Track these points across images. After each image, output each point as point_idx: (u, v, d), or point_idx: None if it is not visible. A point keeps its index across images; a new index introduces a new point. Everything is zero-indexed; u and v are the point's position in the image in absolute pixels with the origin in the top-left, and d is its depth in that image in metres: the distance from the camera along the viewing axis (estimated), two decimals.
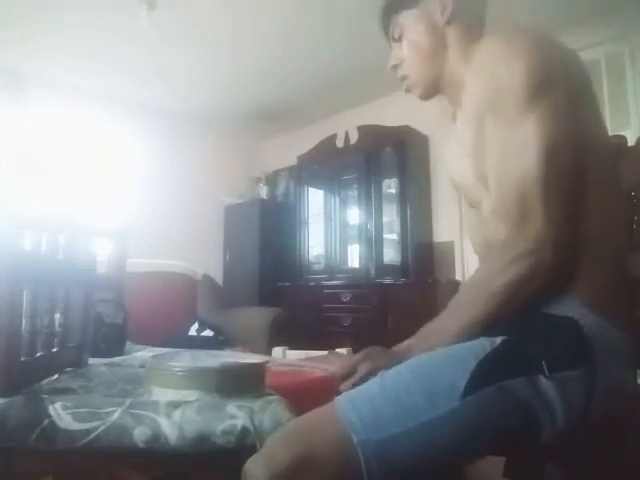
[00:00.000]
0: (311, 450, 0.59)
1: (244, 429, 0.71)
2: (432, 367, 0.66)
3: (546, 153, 0.67)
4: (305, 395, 0.69)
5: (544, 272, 0.66)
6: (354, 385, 0.72)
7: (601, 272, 0.70)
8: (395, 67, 0.92)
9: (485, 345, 0.65)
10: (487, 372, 0.62)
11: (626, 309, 0.74)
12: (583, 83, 0.73)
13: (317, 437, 0.61)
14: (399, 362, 0.70)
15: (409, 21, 0.87)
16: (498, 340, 0.65)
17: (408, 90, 0.92)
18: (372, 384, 0.66)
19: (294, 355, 1.72)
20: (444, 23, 0.84)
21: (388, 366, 0.70)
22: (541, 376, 0.61)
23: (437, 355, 0.67)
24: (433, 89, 0.90)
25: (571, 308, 0.67)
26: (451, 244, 3.40)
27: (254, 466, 0.60)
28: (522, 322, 0.67)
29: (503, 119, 0.71)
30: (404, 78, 0.91)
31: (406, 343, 0.78)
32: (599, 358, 0.63)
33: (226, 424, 0.71)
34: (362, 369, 0.74)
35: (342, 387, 0.74)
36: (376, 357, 0.76)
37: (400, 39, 0.90)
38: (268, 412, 0.73)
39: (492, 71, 0.73)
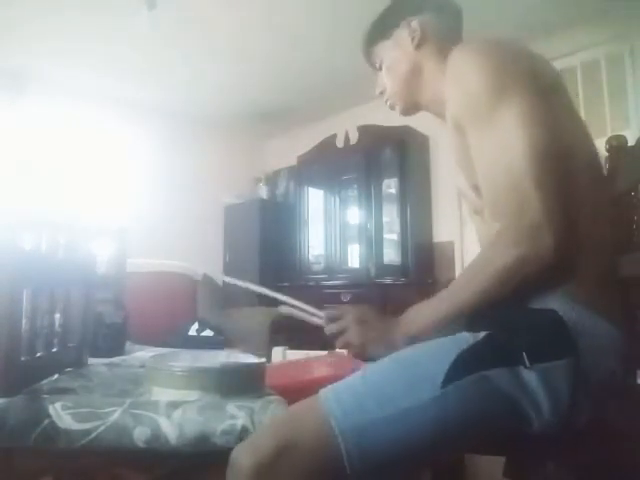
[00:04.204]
0: (294, 437, 0.61)
1: (244, 429, 0.71)
2: (414, 358, 0.67)
3: (530, 143, 0.68)
4: (305, 395, 0.69)
5: (542, 258, 0.66)
6: (340, 329, 0.79)
7: (589, 270, 0.70)
8: (382, 93, 1.00)
9: (468, 338, 0.66)
10: (468, 362, 0.63)
11: (622, 307, 0.74)
12: (552, 84, 0.76)
13: (300, 425, 0.62)
14: (385, 343, 0.74)
15: (385, 51, 0.96)
16: (481, 334, 0.66)
17: (392, 108, 1.00)
18: (355, 376, 0.68)
19: (294, 355, 1.73)
20: (414, 49, 0.91)
21: (374, 350, 0.75)
22: (522, 367, 0.62)
23: (419, 348, 0.69)
24: (413, 107, 0.98)
25: (555, 302, 0.67)
26: (451, 244, 3.40)
27: (239, 455, 0.62)
28: (506, 318, 0.68)
29: (481, 122, 0.73)
30: (387, 100, 0.99)
31: (397, 319, 0.80)
32: (582, 348, 0.63)
33: (226, 424, 0.71)
34: (349, 316, 0.81)
35: (327, 329, 0.81)
36: (362, 311, 0.83)
37: (381, 68, 0.98)
38: (268, 412, 0.73)
39: (461, 79, 0.76)
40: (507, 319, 0.68)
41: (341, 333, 0.80)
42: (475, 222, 0.95)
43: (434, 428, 0.61)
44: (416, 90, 0.94)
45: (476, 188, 0.81)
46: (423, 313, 0.76)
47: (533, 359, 0.62)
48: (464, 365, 0.63)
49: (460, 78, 0.76)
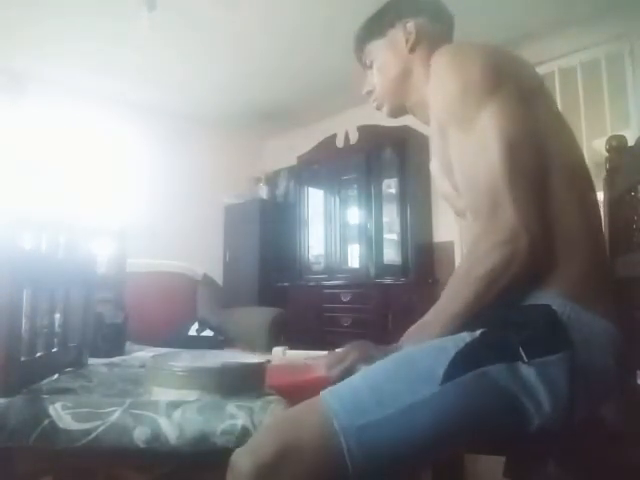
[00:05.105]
0: (295, 439, 0.60)
1: (244, 429, 0.71)
2: (413, 357, 0.67)
3: (505, 144, 0.70)
4: (305, 395, 0.69)
5: (520, 259, 0.67)
6: (344, 371, 0.75)
7: (580, 268, 0.71)
8: (369, 92, 1.00)
9: (465, 337, 0.67)
10: (466, 359, 0.63)
11: (619, 306, 0.74)
12: (534, 87, 0.77)
13: (301, 426, 0.62)
14: (385, 355, 0.72)
15: (378, 50, 0.96)
16: (478, 332, 0.67)
17: (378, 108, 1.01)
18: (354, 377, 0.68)
19: (294, 355, 1.72)
20: (408, 52, 0.92)
21: (375, 356, 0.73)
22: (520, 362, 0.62)
23: (418, 347, 0.69)
24: (400, 110, 0.98)
25: (549, 300, 0.68)
26: (451, 244, 3.39)
27: (240, 458, 0.61)
28: (502, 315, 0.69)
29: (460, 125, 0.75)
30: (374, 100, 1.00)
31: (395, 345, 0.80)
32: (577, 342, 0.64)
33: (226, 424, 0.71)
34: (351, 356, 0.78)
35: (331, 373, 0.77)
36: (363, 347, 0.80)
37: (371, 66, 0.97)
38: (268, 412, 0.73)
39: (441, 83, 0.78)
40: (502, 316, 0.69)
41: (346, 374, 0.77)
42: (459, 224, 0.96)
43: (434, 424, 0.62)
44: (404, 93, 0.94)
45: (457, 190, 0.82)
46: (422, 332, 0.75)
47: (530, 354, 0.62)
48: (462, 362, 0.63)
49: (441, 82, 0.78)
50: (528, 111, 0.73)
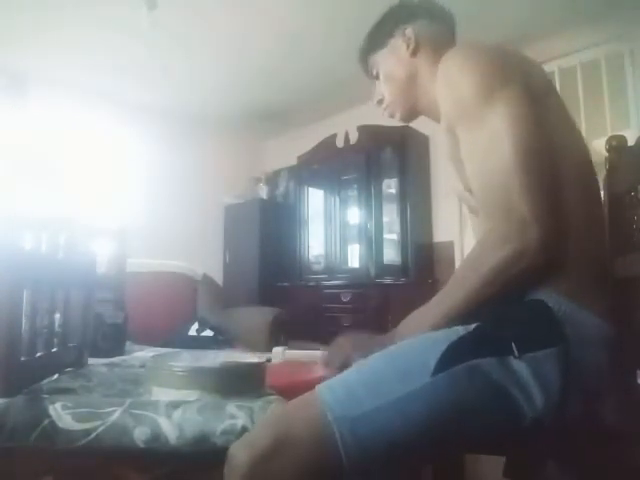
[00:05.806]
0: (290, 431, 0.61)
1: (244, 429, 0.71)
2: (406, 350, 0.68)
3: (517, 140, 0.69)
4: None
5: (532, 252, 0.67)
6: (342, 366, 0.76)
7: (580, 266, 0.71)
8: (379, 102, 1.02)
9: (459, 330, 0.67)
10: (459, 352, 0.64)
11: (614, 305, 0.74)
12: (542, 86, 0.77)
13: (296, 419, 0.63)
14: (381, 346, 0.72)
15: (381, 60, 0.98)
16: (472, 326, 0.67)
17: (391, 116, 1.02)
18: (349, 370, 0.69)
19: (294, 355, 1.73)
20: (410, 56, 0.93)
21: (372, 349, 0.73)
22: (512, 357, 0.63)
23: (412, 340, 0.70)
24: (412, 113, 1.00)
25: (545, 296, 0.68)
26: (451, 244, 3.40)
27: (236, 450, 0.63)
28: (497, 310, 0.69)
29: (471, 124, 0.75)
30: (386, 108, 1.01)
31: (392, 331, 0.80)
32: (570, 338, 0.64)
33: (226, 424, 0.71)
34: (348, 351, 0.80)
35: (329, 369, 0.79)
36: (359, 341, 0.81)
37: (377, 77, 1.00)
38: (268, 412, 0.73)
39: (451, 83, 0.78)
40: (497, 310, 0.69)
41: (345, 366, 0.78)
42: (472, 221, 0.96)
43: (426, 415, 0.62)
44: (413, 96, 0.95)
45: (470, 189, 0.82)
46: (420, 318, 0.76)
47: (522, 349, 0.63)
48: (455, 354, 0.63)
49: (450, 82, 0.78)
50: (538, 108, 0.72)
